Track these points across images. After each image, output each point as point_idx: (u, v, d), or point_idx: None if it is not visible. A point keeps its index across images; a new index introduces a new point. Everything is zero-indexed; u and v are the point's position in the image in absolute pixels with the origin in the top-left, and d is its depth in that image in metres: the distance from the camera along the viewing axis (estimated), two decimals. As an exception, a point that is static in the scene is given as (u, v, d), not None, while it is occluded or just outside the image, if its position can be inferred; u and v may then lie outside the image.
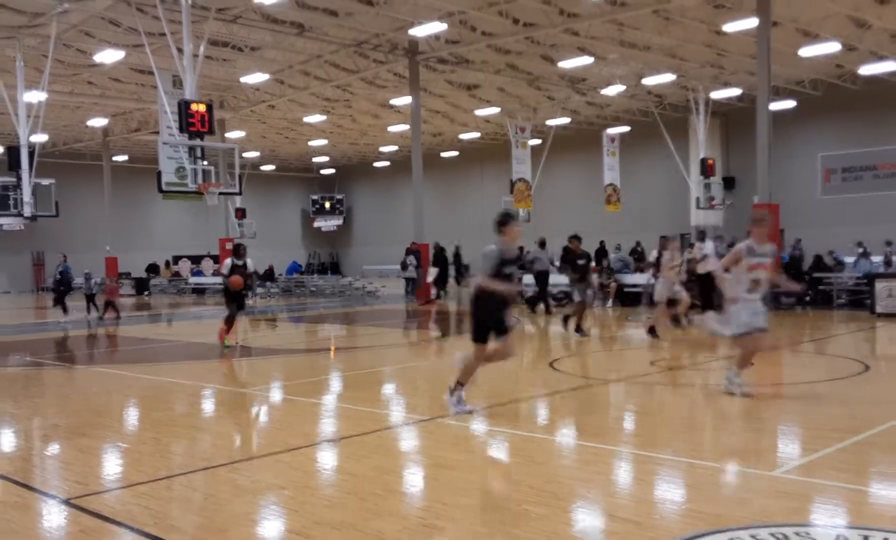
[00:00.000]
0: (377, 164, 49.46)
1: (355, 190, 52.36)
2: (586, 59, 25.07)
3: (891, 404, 8.11)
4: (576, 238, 15.48)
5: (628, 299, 22.25)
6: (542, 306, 20.18)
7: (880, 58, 25.98)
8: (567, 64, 25.84)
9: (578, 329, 14.38)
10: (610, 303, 22.60)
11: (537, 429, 7.77)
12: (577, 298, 14.84)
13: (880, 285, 17.10)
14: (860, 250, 22.01)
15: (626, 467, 6.16)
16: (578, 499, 5.33)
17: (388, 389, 10.38)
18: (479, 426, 7.41)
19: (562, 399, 8.93)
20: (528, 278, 20.85)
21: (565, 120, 35.78)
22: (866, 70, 27.42)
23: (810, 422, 7.53)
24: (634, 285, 22.42)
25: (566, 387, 9.61)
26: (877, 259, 21.79)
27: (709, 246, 17.45)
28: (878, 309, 16.82)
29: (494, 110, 33.51)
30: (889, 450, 6.39)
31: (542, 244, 21.21)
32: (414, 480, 6.01)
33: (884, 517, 4.86)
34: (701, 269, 16.03)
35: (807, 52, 24.56)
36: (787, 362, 11.80)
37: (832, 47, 23.97)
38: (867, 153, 30.09)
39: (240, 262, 13.34)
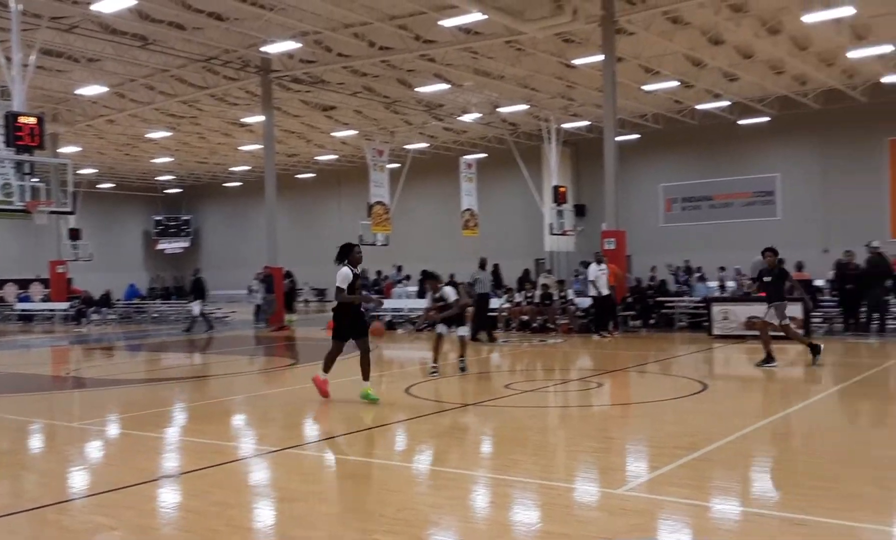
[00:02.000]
0: (228, 185, 48.13)
1: (204, 211, 50.65)
2: (442, 86, 25.59)
3: (727, 421, 8.66)
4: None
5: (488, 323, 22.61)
6: (484, 334, 18.79)
7: (715, 96, 28.16)
8: (424, 89, 26.26)
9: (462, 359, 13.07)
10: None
11: (392, 456, 7.71)
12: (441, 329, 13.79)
13: (716, 308, 18.37)
14: (692, 275, 23.57)
15: (480, 491, 6.22)
16: (431, 525, 5.32)
17: (237, 419, 10.00)
18: (330, 455, 7.26)
19: (417, 425, 8.93)
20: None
21: (423, 145, 36.30)
22: (703, 106, 29.66)
23: (654, 440, 7.92)
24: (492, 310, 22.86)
25: (422, 412, 9.63)
26: (712, 284, 23.42)
27: (592, 269, 18.79)
28: (715, 331, 18.05)
29: (352, 132, 33.49)
30: (726, 465, 6.80)
31: (483, 265, 20.53)
32: (260, 514, 5.79)
33: (720, 531, 5.16)
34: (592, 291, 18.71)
35: (649, 87, 26.26)
36: (633, 383, 12.40)
37: (671, 84, 25.77)
38: (704, 184, 32.47)
39: None
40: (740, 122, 30.66)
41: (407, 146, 34.95)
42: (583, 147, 34.59)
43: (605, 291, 18.72)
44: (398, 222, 31.65)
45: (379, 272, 29.39)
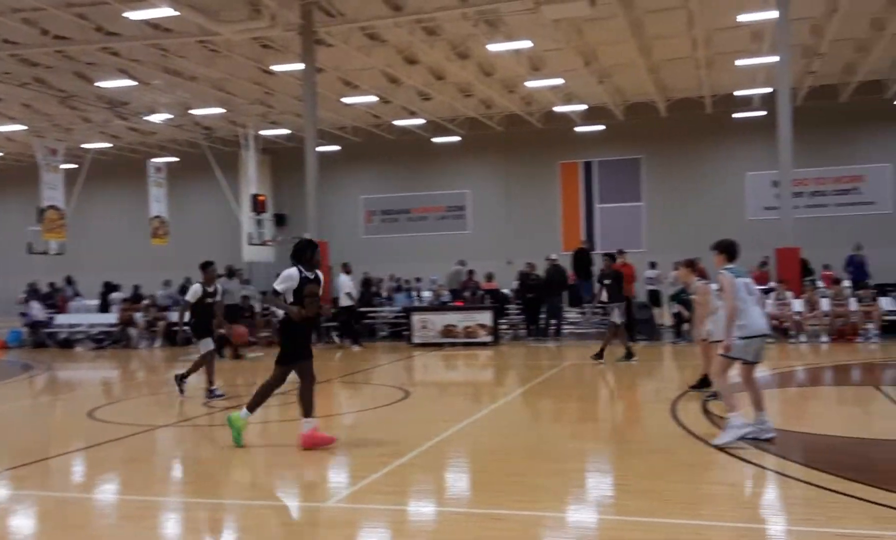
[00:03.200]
0: None
1: None
2: (128, 82, 23.89)
3: (427, 426, 9.08)
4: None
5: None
6: (228, 350, 17.79)
7: (411, 113, 29.59)
8: (106, 84, 24.31)
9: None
10: (158, 342, 21.63)
11: (72, 488, 6.98)
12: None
13: (416, 318, 19.29)
14: (393, 284, 24.54)
15: (177, 518, 5.85)
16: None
17: None
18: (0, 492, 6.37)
19: (102, 451, 8.18)
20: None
21: (105, 145, 33.59)
22: (400, 122, 31.01)
23: (359, 449, 8.05)
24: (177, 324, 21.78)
25: (108, 437, 8.83)
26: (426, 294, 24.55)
27: (344, 280, 19.30)
28: (415, 340, 18.94)
29: (19, 127, 29.98)
30: (427, 469, 7.12)
31: (231, 273, 19.09)
32: None
33: (425, 533, 5.38)
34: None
35: (348, 100, 26.86)
36: (336, 394, 12.53)
37: (370, 98, 26.61)
38: (403, 198, 33.96)
39: None
40: (434, 139, 32.54)
41: (86, 146, 32.09)
42: (282, 156, 34.38)
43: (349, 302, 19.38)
44: (76, 229, 28.96)
45: (52, 284, 26.65)
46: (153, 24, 19.92)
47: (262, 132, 30.83)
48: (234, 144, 32.40)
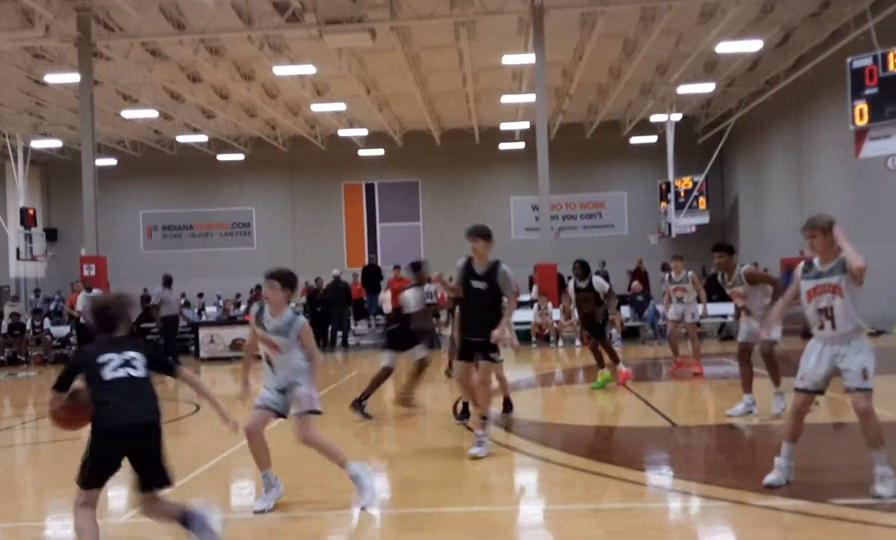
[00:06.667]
0: None
1: None
2: None
3: (220, 438, 8.71)
4: None
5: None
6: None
7: (194, 130, 28.33)
8: None
9: None
10: None
11: None
12: None
13: (203, 332, 18.43)
14: (183, 301, 23.33)
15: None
16: None
17: None
18: None
19: None
20: None
21: None
22: (182, 138, 29.58)
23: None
24: None
25: None
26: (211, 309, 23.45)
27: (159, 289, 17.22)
28: (202, 353, 18.09)
29: None
30: (220, 480, 6.84)
31: (168, 283, 16.46)
32: None
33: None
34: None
35: (127, 114, 25.20)
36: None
37: (151, 113, 25.14)
38: (185, 213, 32.36)
39: None
40: (219, 157, 31.37)
41: None
42: (54, 168, 31.48)
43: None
44: None
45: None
46: None
47: (33, 144, 28.08)
48: (0, 155, 29.23)
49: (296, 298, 21.89)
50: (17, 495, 6.75)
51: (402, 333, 9.57)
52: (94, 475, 4.15)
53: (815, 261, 5.55)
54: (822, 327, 5.46)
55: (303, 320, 5.61)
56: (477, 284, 7.06)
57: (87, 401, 4.16)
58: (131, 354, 4.27)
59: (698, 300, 12.31)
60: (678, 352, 12.80)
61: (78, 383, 4.22)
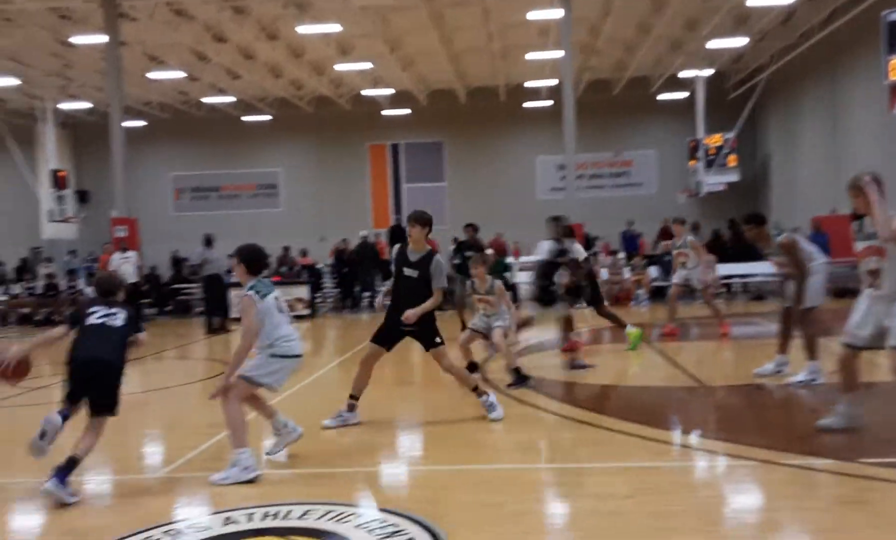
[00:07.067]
0: None
1: None
2: None
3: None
4: None
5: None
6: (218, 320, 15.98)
7: (220, 90, 28.34)
8: None
9: None
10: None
11: None
12: None
13: (233, 293, 18.53)
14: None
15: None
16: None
17: None
18: None
19: None
20: None
21: None
22: (208, 100, 29.62)
23: (184, 423, 7.74)
24: None
25: None
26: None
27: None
28: (232, 313, 18.19)
29: None
30: (252, 437, 6.97)
31: (209, 242, 16.39)
32: None
33: (252, 496, 5.30)
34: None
35: (154, 75, 25.23)
36: (153, 370, 11.89)
37: (177, 74, 25.14)
38: (212, 175, 32.54)
39: None
40: (244, 118, 31.39)
41: None
42: (84, 130, 31.72)
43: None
44: None
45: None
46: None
47: (61, 105, 28.30)
48: (29, 117, 29.52)
49: (324, 258, 21.85)
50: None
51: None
52: (68, 394, 5.35)
53: (867, 220, 5.57)
54: (870, 286, 5.54)
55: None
56: (409, 272, 6.87)
57: (27, 367, 5.50)
58: (115, 310, 5.44)
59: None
60: (674, 316, 12.79)
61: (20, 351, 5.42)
